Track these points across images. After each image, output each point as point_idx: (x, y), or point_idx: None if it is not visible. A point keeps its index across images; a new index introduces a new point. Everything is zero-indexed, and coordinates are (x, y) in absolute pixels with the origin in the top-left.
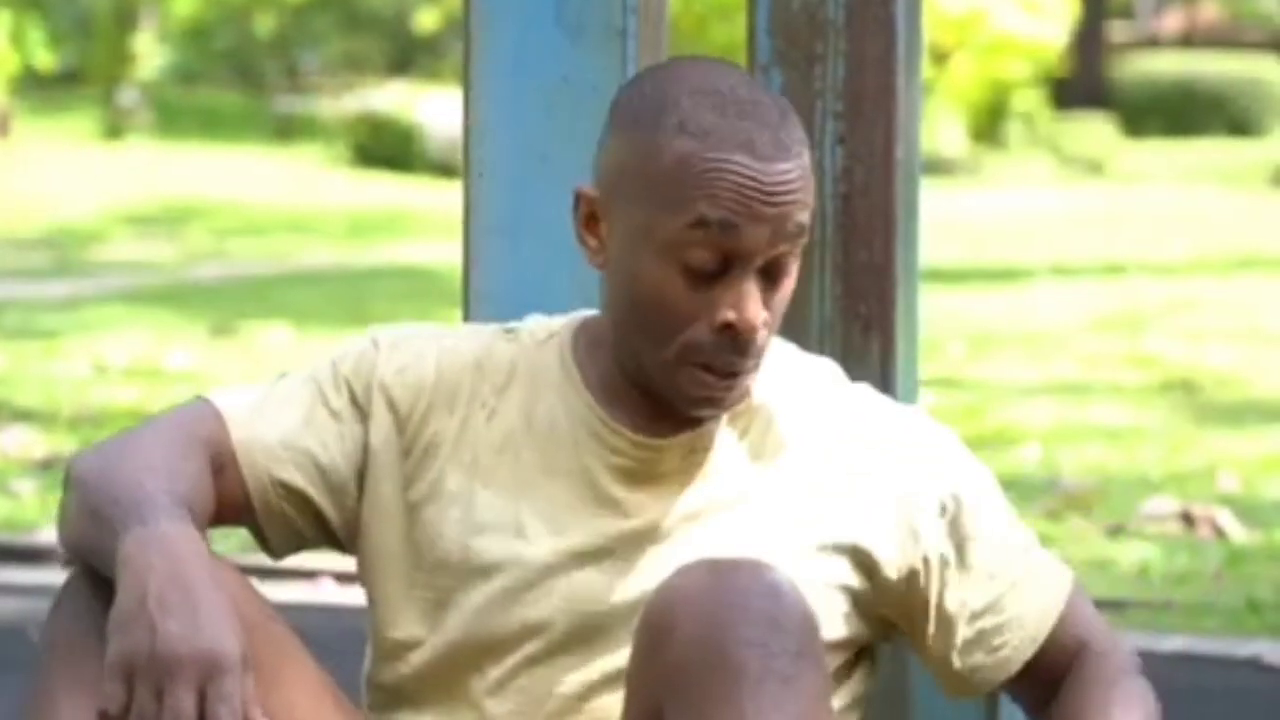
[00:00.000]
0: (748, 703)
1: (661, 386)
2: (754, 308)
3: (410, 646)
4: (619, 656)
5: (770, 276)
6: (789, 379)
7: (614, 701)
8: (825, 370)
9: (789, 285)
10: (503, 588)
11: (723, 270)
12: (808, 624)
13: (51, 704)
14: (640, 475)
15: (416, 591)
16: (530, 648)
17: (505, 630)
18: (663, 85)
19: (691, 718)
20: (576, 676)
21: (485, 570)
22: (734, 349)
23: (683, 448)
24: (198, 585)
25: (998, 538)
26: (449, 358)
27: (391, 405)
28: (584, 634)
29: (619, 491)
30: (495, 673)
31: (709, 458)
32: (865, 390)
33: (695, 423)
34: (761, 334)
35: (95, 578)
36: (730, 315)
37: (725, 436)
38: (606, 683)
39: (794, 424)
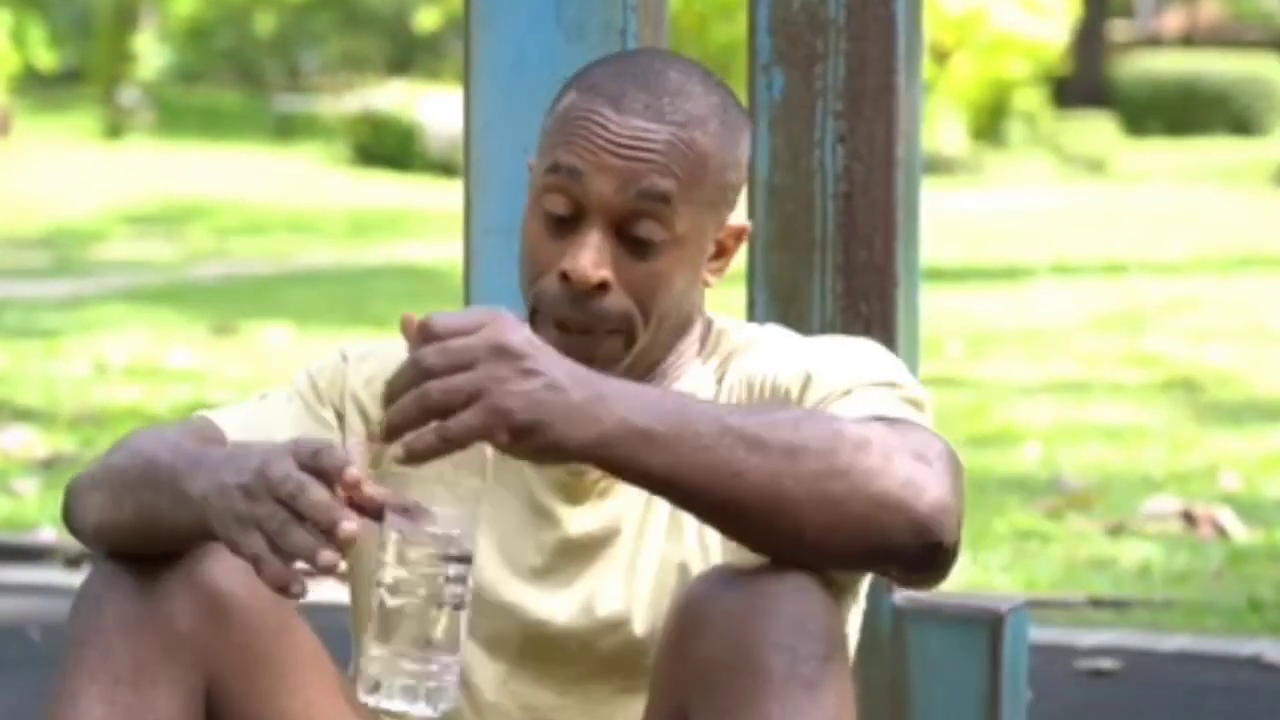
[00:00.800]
0: (773, 705)
1: None
2: (588, 258)
3: None
4: (578, 669)
5: (632, 245)
6: (737, 340)
7: (586, 710)
8: (766, 328)
9: (662, 266)
10: None
11: (576, 220)
12: (835, 629)
13: (73, 702)
14: (571, 487)
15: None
16: (491, 662)
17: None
18: (599, 60)
19: (717, 717)
20: (543, 690)
21: None
22: (570, 301)
23: None
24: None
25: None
26: None
27: (363, 415)
28: (537, 650)
29: (554, 504)
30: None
31: None
32: (778, 330)
33: None
34: (608, 297)
35: (116, 573)
36: (565, 264)
37: None
38: (576, 693)
39: (729, 381)
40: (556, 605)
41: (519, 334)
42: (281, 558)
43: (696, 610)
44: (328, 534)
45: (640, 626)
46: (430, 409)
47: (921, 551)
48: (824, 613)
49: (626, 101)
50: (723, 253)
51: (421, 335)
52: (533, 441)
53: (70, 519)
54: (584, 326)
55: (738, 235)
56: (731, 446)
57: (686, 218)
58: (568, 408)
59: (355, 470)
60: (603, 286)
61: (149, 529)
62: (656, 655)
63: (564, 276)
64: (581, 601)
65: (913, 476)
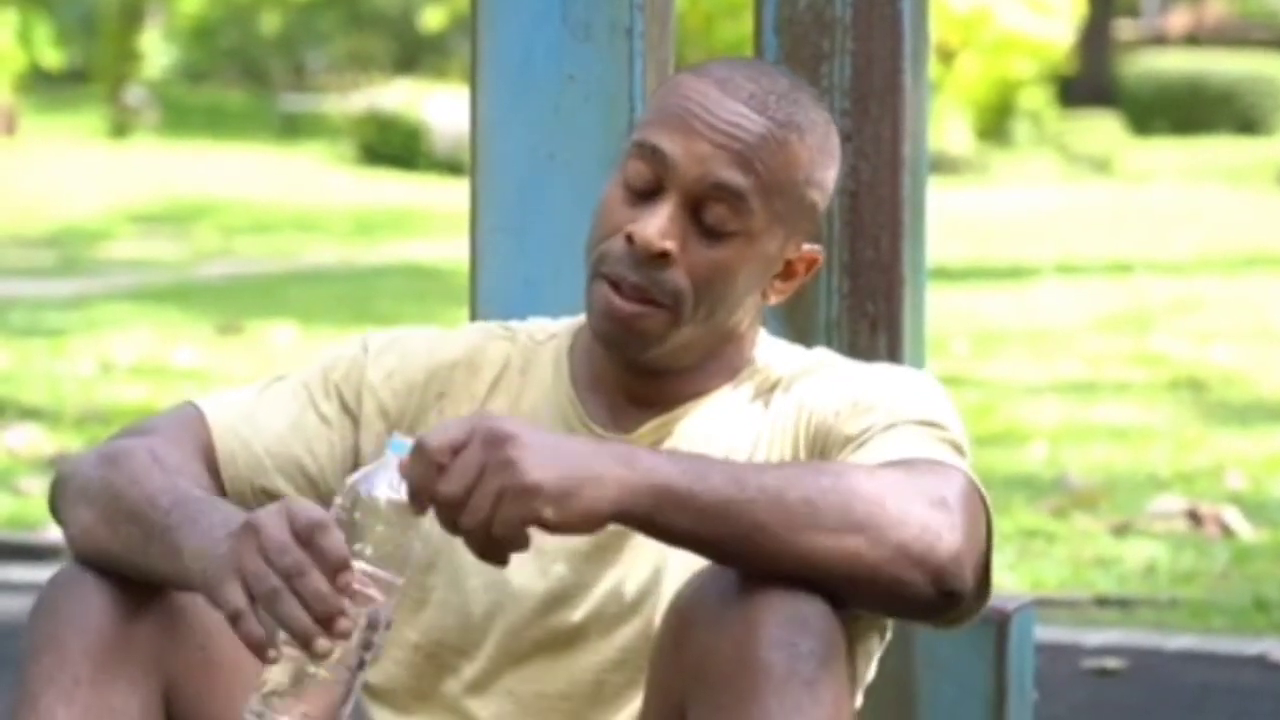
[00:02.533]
0: (772, 701)
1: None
2: (656, 225)
3: (392, 644)
4: (595, 658)
5: (703, 228)
6: (787, 363)
7: (597, 700)
8: (817, 353)
9: (728, 256)
10: (480, 587)
11: (653, 192)
12: (833, 627)
13: (34, 705)
14: None
15: (408, 591)
16: (508, 650)
17: (481, 632)
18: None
19: (715, 713)
20: (558, 678)
21: (464, 572)
22: (629, 261)
23: (651, 436)
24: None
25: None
26: (439, 357)
27: (382, 410)
28: (559, 637)
29: None
30: (470, 673)
31: (684, 444)
32: (831, 356)
33: (662, 409)
34: (668, 270)
35: (75, 579)
36: (633, 226)
37: (708, 419)
38: (589, 683)
39: (780, 406)
40: (584, 593)
41: (507, 422)
42: (259, 619)
43: (693, 606)
44: (323, 624)
45: (661, 620)
46: (475, 532)
47: (938, 600)
48: (822, 612)
49: (733, 86)
50: (790, 275)
51: (420, 463)
52: (578, 504)
53: (54, 511)
54: (636, 292)
55: (809, 263)
56: (752, 501)
57: (763, 217)
58: (588, 463)
59: (348, 575)
60: (664, 256)
61: (134, 566)
62: (652, 651)
63: (629, 239)
64: (610, 588)
65: (928, 526)
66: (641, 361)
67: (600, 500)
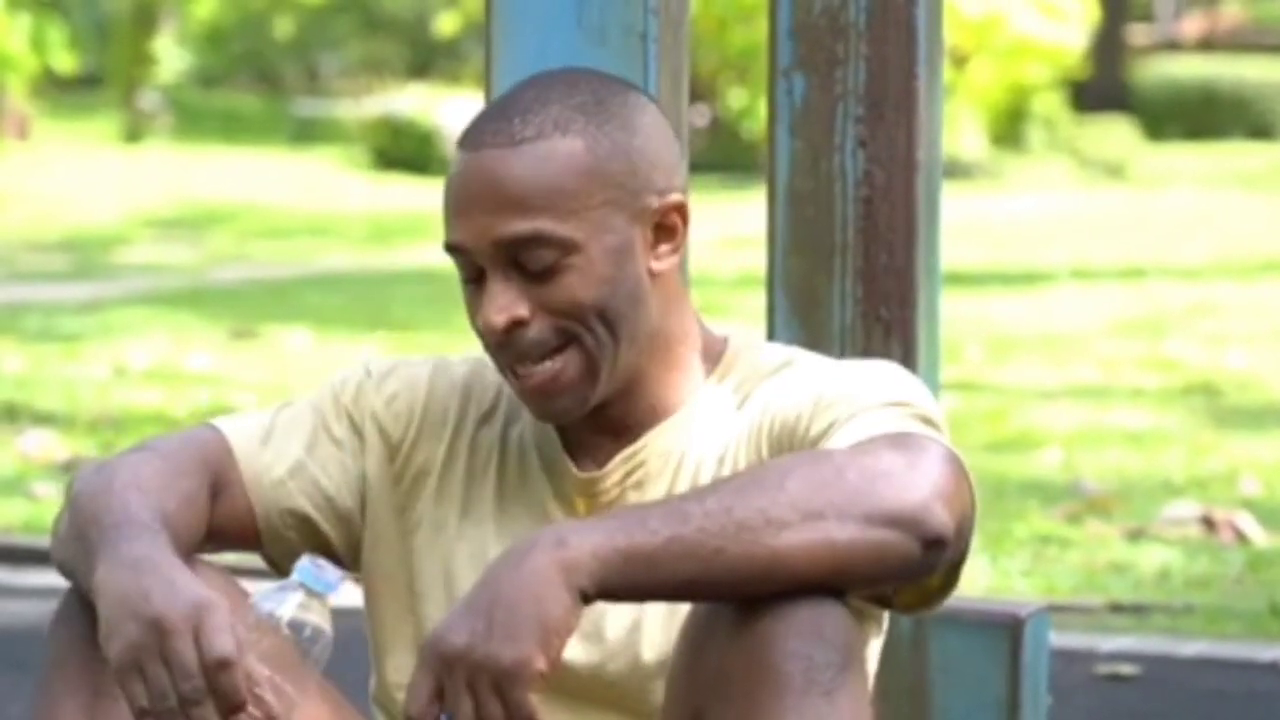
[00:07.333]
0: (791, 713)
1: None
2: (492, 308)
3: (403, 672)
4: (587, 698)
5: (532, 274)
6: (753, 366)
7: None
8: (786, 352)
9: (571, 279)
10: None
11: (481, 276)
12: (850, 638)
13: (52, 714)
14: (584, 506)
15: (409, 618)
16: None
17: None
18: None
19: None
20: (559, 713)
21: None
22: (501, 349)
23: (621, 469)
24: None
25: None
26: (440, 385)
27: (383, 433)
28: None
29: None
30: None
31: (655, 469)
32: (798, 355)
33: (631, 436)
34: (530, 329)
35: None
36: (481, 323)
37: (677, 437)
38: (591, 716)
39: (745, 412)
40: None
41: (449, 626)
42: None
43: (711, 618)
44: None
45: (649, 651)
46: None
47: (925, 553)
48: (839, 621)
49: (477, 136)
50: (665, 236)
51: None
52: (552, 626)
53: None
54: (534, 359)
55: (679, 211)
56: (700, 529)
57: (578, 226)
58: (530, 580)
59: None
60: (518, 324)
61: (76, 578)
62: (671, 663)
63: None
64: (591, 622)
65: (889, 484)
66: (593, 405)
67: (562, 606)
